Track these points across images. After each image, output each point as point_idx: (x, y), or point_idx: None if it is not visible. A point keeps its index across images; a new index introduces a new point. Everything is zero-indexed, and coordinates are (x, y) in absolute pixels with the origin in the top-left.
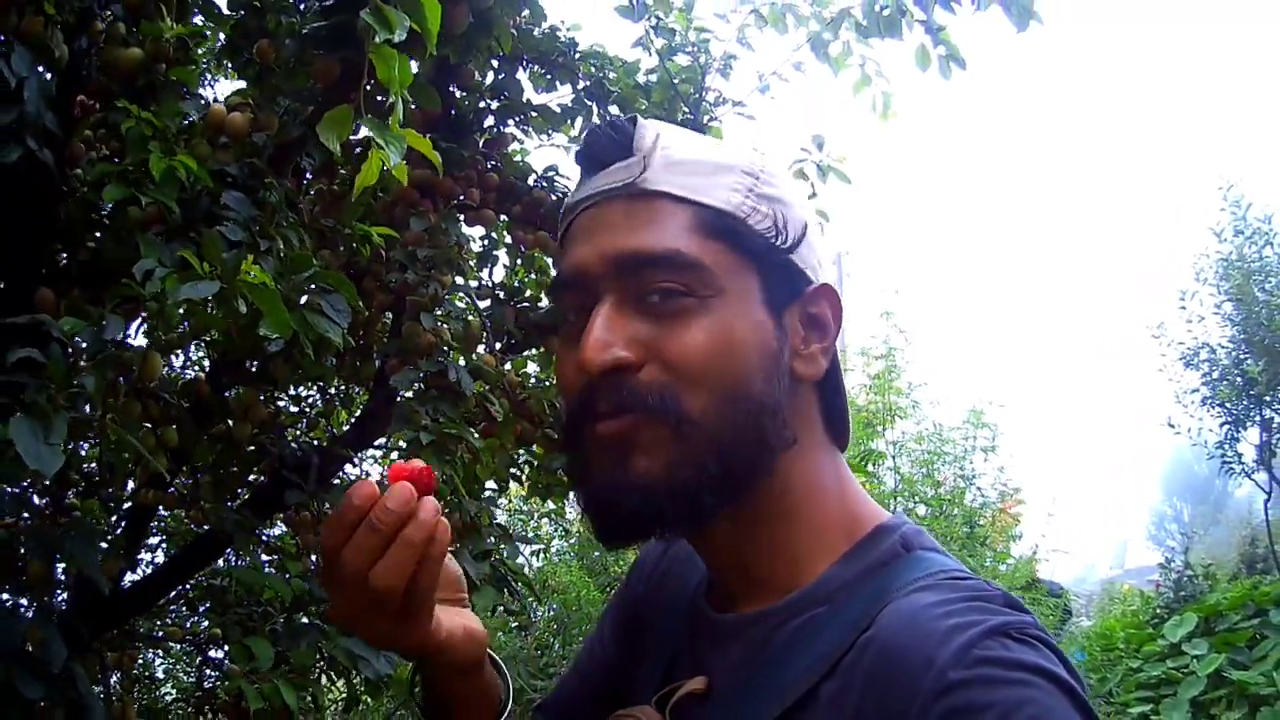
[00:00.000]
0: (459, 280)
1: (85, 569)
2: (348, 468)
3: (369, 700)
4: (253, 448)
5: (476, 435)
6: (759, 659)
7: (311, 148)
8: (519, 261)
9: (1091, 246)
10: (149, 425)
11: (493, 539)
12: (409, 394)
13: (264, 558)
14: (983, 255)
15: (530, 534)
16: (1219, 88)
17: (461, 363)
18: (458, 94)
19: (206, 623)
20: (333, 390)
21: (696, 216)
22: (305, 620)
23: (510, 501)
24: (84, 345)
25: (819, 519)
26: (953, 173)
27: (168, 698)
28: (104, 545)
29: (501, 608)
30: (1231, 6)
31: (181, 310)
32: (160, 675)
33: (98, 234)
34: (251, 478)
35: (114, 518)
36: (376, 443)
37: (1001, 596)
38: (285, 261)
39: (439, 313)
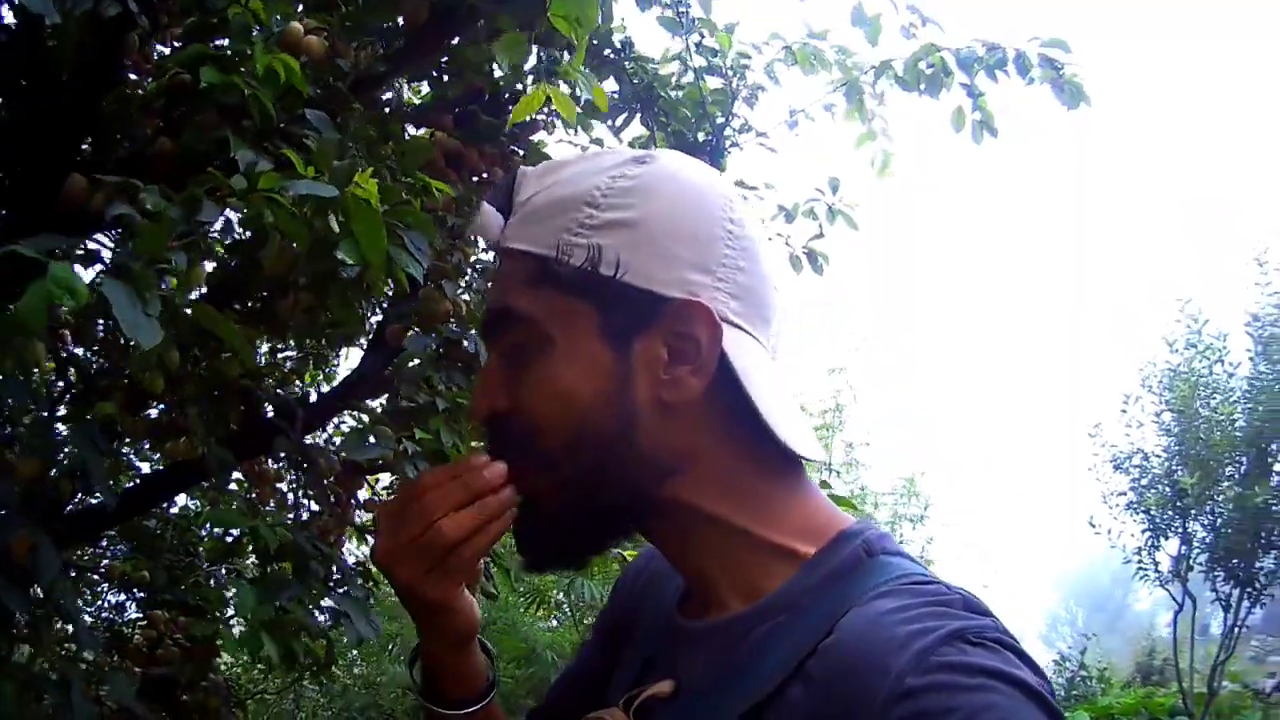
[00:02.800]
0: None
1: (89, 473)
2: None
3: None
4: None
5: None
6: (724, 664)
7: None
8: None
9: (1047, 339)
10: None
11: None
12: (416, 361)
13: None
14: (944, 327)
15: None
16: (1180, 203)
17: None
18: (497, 71)
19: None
20: (309, 345)
21: (526, 267)
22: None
23: None
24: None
25: (763, 529)
26: (922, 245)
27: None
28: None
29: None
30: (1202, 119)
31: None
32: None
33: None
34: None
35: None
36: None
37: (961, 600)
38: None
39: (460, 283)
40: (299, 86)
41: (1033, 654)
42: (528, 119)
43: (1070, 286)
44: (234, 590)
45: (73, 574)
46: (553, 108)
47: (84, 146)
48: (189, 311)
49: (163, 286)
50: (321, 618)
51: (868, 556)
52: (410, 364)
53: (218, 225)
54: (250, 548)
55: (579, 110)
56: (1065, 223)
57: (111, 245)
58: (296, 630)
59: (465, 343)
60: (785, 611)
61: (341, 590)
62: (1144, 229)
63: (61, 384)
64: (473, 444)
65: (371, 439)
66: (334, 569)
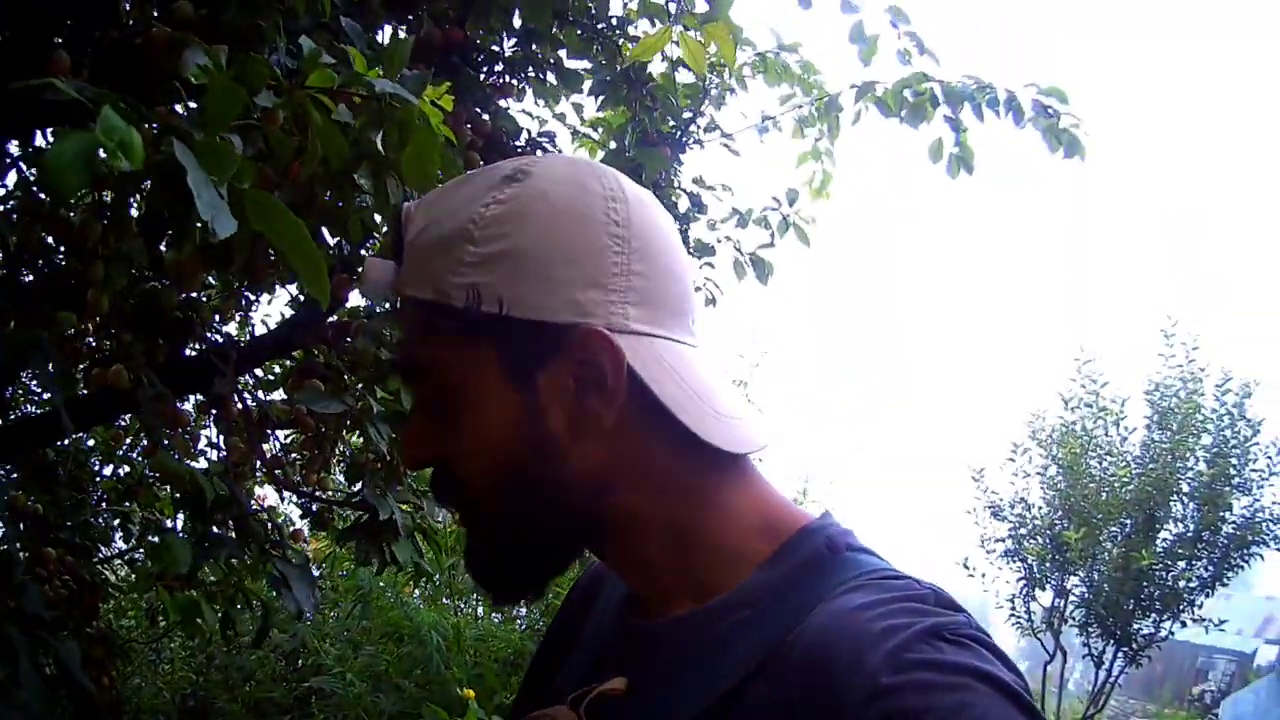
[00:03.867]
0: None
1: (46, 385)
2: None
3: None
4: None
5: None
6: (681, 661)
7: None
8: None
9: (942, 380)
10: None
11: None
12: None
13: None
14: (841, 352)
15: None
16: (1090, 266)
17: None
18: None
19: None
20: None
21: (418, 316)
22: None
23: None
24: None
25: (711, 529)
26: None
27: None
28: None
29: (413, 566)
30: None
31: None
32: None
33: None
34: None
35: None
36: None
37: (934, 595)
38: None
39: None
40: None
41: None
42: (501, 82)
43: (971, 332)
44: (164, 539)
45: None
46: (526, 73)
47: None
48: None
49: None
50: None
51: (831, 553)
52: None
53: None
54: (179, 495)
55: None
56: (979, 268)
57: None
58: (240, 596)
59: None
60: (745, 609)
61: (283, 554)
62: (1050, 285)
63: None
64: None
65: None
66: (270, 528)
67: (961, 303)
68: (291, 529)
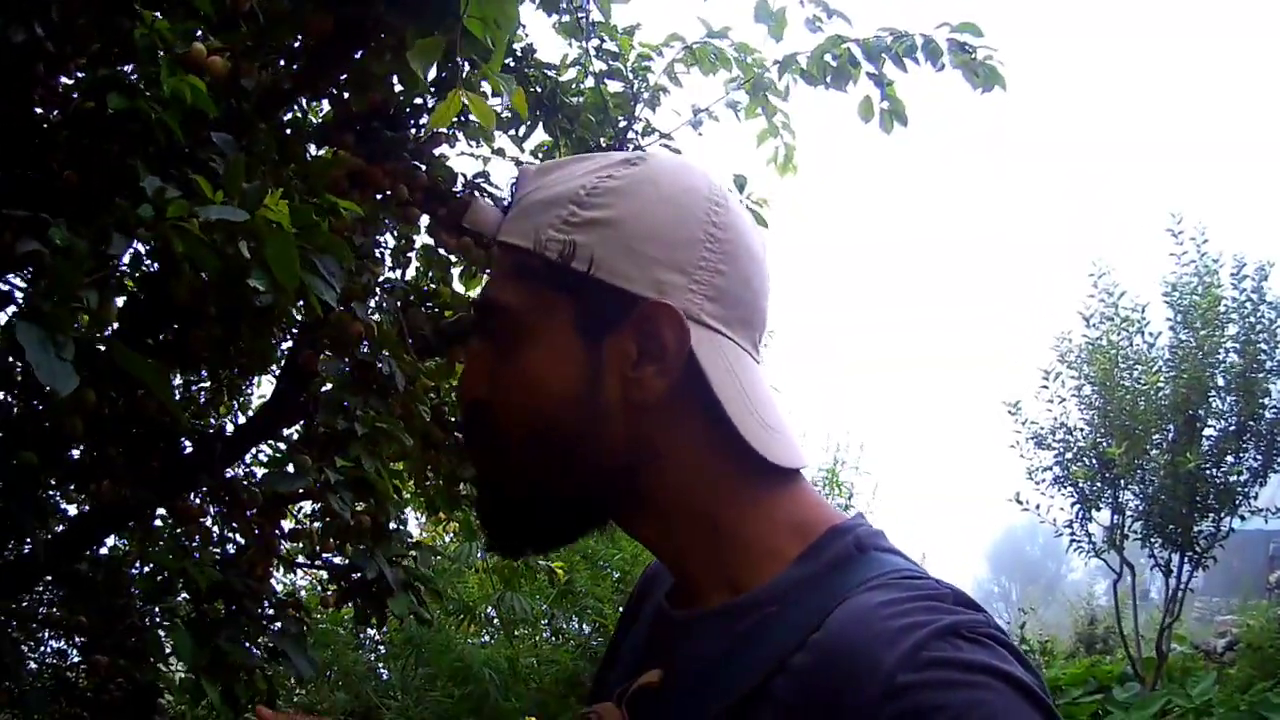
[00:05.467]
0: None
1: (21, 527)
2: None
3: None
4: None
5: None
6: (710, 655)
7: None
8: (431, 266)
9: (963, 316)
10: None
11: (401, 545)
12: (329, 385)
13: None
14: (859, 305)
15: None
16: (1091, 176)
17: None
18: (397, 86)
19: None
20: (223, 376)
21: (512, 260)
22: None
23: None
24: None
25: (744, 526)
26: (836, 219)
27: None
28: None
29: (412, 614)
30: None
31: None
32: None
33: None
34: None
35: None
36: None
37: (953, 594)
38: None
39: (370, 304)
40: (205, 108)
41: None
42: (430, 133)
43: (987, 266)
44: (170, 632)
45: (13, 624)
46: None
47: None
48: (103, 349)
49: (75, 326)
50: (258, 654)
51: (859, 552)
52: (324, 389)
53: (126, 258)
54: (182, 585)
55: (497, 114)
56: (978, 204)
57: (23, 286)
58: (236, 671)
59: (379, 365)
60: (773, 605)
61: (276, 627)
62: (1057, 206)
63: None
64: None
65: (291, 468)
66: (266, 604)
67: (967, 243)
68: (322, 596)
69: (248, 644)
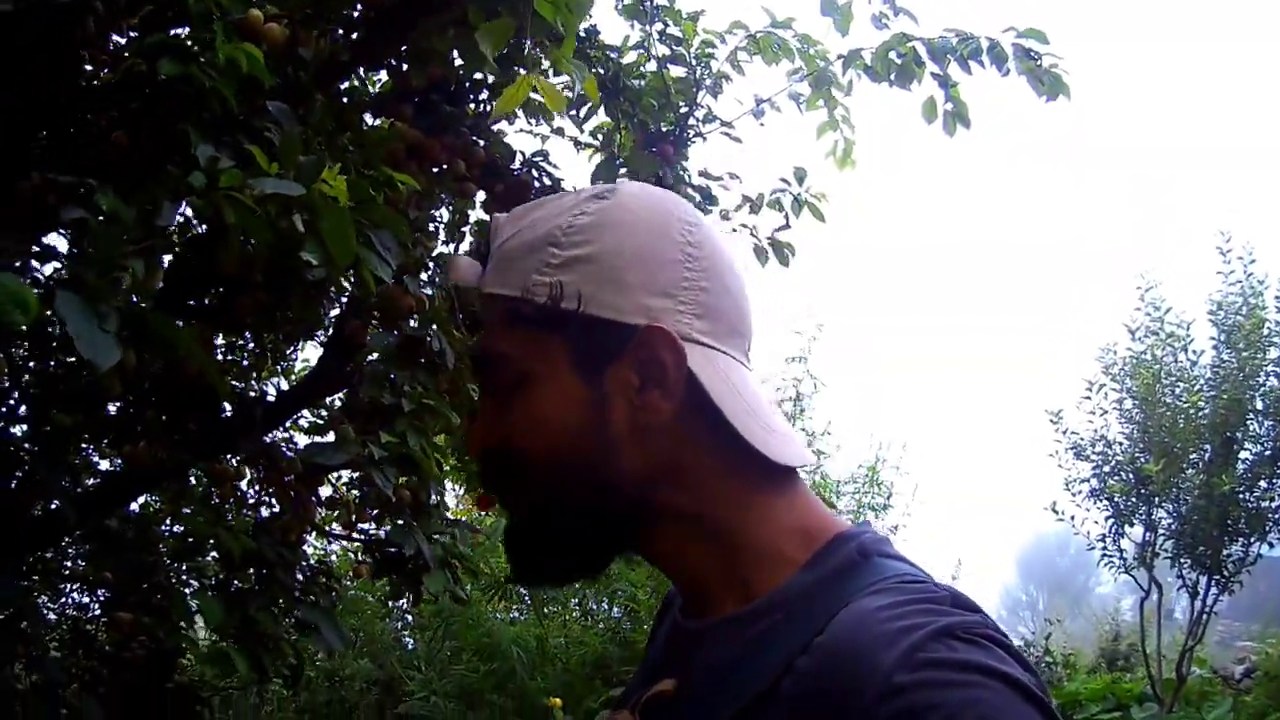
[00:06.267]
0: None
1: (51, 490)
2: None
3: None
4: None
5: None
6: (721, 662)
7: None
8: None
9: (1007, 319)
10: None
11: (440, 522)
12: (374, 356)
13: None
14: (905, 303)
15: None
16: (1143, 189)
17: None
18: (457, 60)
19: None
20: (267, 340)
21: (501, 310)
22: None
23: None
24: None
25: (755, 533)
26: (887, 218)
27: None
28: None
29: (448, 592)
30: (1168, 107)
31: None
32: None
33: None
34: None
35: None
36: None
37: (950, 597)
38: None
39: (423, 278)
40: (261, 77)
41: None
42: (496, 117)
43: (1034, 271)
44: (197, 598)
45: (34, 578)
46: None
47: (37, 141)
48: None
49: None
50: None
51: (862, 558)
52: (369, 360)
53: (176, 220)
54: (212, 547)
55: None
56: (1031, 208)
57: (66, 246)
58: (265, 642)
59: (429, 339)
60: (780, 611)
61: (309, 599)
62: (1107, 214)
63: (18, 392)
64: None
65: (331, 437)
66: (299, 576)
67: (1003, 253)
68: (354, 565)
69: (278, 615)
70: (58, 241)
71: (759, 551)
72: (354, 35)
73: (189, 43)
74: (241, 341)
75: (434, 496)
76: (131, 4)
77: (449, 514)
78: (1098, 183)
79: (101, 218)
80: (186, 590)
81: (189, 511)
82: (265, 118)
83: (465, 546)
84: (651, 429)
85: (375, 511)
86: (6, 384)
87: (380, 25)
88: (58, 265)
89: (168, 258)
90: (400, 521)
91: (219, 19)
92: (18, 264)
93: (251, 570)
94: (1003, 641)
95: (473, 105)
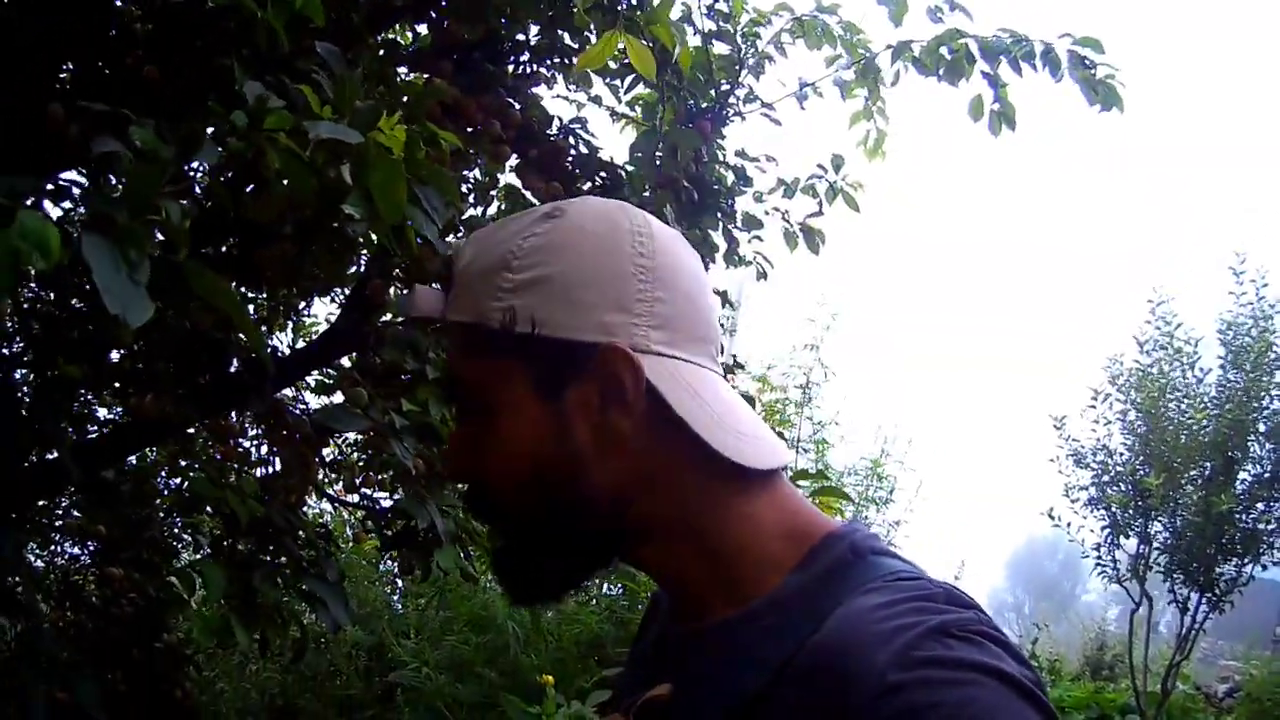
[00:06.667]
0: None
1: (52, 441)
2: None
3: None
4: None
5: None
6: (715, 666)
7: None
8: (515, 206)
9: (1031, 323)
10: None
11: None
12: (388, 317)
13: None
14: (926, 300)
15: None
16: (1159, 203)
17: None
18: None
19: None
20: (282, 295)
21: (461, 337)
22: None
23: None
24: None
25: (739, 537)
26: (918, 214)
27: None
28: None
29: (459, 570)
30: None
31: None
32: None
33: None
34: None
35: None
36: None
37: (944, 593)
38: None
39: (451, 240)
40: (313, 14)
41: None
42: (530, 71)
43: (1045, 278)
44: (200, 565)
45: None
46: (554, 60)
47: (63, 74)
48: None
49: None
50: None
51: (855, 557)
52: (383, 320)
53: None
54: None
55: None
56: (1045, 214)
57: (85, 184)
58: (269, 613)
59: None
60: (774, 613)
61: (314, 573)
62: (1130, 218)
63: (21, 338)
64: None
65: (342, 399)
66: (300, 542)
67: (1029, 255)
68: (353, 532)
69: (283, 586)
70: (74, 178)
71: (743, 553)
72: None
73: None
74: (255, 295)
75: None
76: None
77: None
78: (1123, 187)
79: (137, 155)
80: (179, 547)
81: (194, 470)
82: (313, 59)
83: (478, 522)
84: (617, 445)
85: (381, 478)
86: (12, 326)
87: None
88: (69, 204)
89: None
90: (413, 491)
91: None
92: (30, 201)
93: (254, 536)
94: (998, 638)
95: (513, 66)
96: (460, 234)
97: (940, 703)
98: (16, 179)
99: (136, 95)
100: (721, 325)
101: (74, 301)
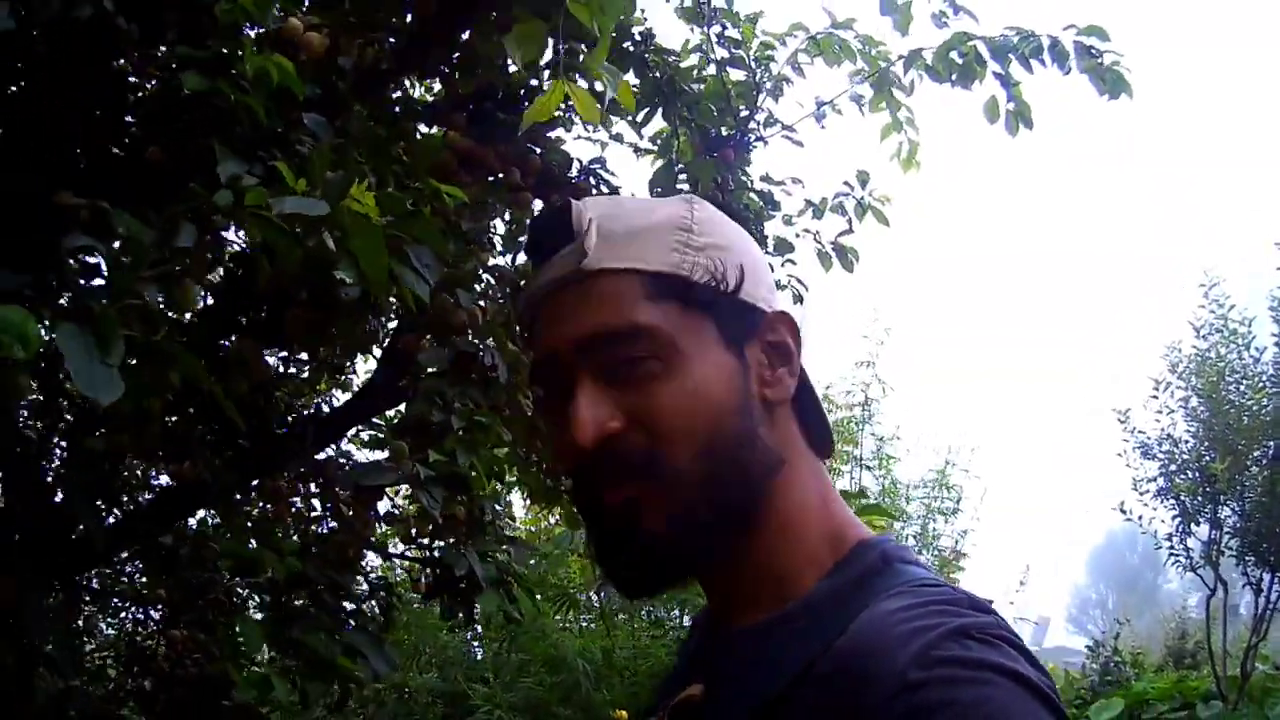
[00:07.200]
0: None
1: (80, 517)
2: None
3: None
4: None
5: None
6: (744, 666)
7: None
8: None
9: (1080, 322)
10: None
11: (495, 540)
12: (430, 371)
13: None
14: (975, 307)
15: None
16: (1203, 184)
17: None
18: (513, 66)
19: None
20: (323, 354)
21: (643, 284)
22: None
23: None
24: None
25: (806, 533)
26: (950, 231)
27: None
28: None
29: (503, 613)
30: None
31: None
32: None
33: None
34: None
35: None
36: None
37: (967, 599)
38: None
39: (476, 290)
40: (294, 88)
41: (1060, 635)
42: (530, 126)
43: (1099, 271)
44: (240, 622)
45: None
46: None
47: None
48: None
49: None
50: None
51: (884, 565)
52: (423, 375)
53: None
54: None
55: (600, 108)
56: (1092, 208)
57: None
58: (314, 665)
59: (481, 354)
60: (805, 616)
61: (352, 625)
62: (1169, 210)
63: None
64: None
65: (382, 455)
66: (345, 597)
67: (1034, 264)
68: (415, 581)
69: (324, 638)
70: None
71: (799, 552)
72: (398, 43)
73: (217, 55)
74: (294, 357)
75: (494, 508)
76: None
77: (516, 525)
78: (1155, 184)
79: (118, 243)
80: (248, 606)
81: (228, 535)
82: (301, 131)
83: (521, 565)
84: (776, 408)
85: (431, 528)
86: (42, 401)
87: (421, 33)
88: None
89: (220, 271)
90: (452, 540)
91: (254, 33)
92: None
93: (300, 592)
94: (1015, 642)
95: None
96: (484, 284)
97: (956, 700)
98: (6, 276)
99: (139, 179)
100: None
101: None
